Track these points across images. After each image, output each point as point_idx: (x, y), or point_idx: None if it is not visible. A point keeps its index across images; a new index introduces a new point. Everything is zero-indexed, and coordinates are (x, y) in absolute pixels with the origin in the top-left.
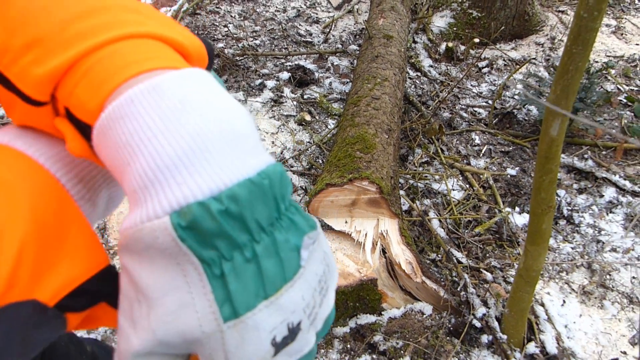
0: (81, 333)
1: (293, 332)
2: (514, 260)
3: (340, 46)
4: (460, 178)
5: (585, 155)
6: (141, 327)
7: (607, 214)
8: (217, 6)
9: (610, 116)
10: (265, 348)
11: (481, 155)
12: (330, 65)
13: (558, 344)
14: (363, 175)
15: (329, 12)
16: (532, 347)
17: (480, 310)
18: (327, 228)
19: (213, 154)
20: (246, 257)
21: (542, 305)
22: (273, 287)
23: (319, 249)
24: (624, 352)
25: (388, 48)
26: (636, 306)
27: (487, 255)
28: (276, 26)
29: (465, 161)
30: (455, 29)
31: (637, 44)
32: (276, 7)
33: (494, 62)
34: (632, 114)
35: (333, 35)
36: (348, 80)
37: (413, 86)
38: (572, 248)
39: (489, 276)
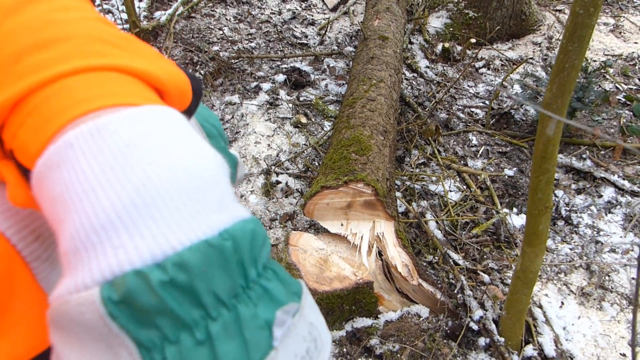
0: None
1: None
2: (511, 262)
3: (336, 48)
4: (458, 179)
5: (584, 155)
6: None
7: (606, 215)
8: (212, 9)
9: (609, 115)
10: None
11: (478, 156)
12: (326, 67)
13: (556, 346)
14: (358, 177)
15: (325, 13)
16: (530, 350)
17: (478, 313)
18: (322, 231)
19: (161, 210)
20: (197, 338)
21: (540, 307)
22: None
23: (301, 323)
24: (623, 354)
25: (384, 49)
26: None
27: (485, 256)
28: (271, 28)
29: (462, 162)
30: (451, 29)
31: (635, 43)
32: (271, 9)
33: (490, 62)
34: (631, 113)
35: (329, 37)
36: (344, 82)
37: (409, 87)
38: (571, 249)
39: (486, 278)
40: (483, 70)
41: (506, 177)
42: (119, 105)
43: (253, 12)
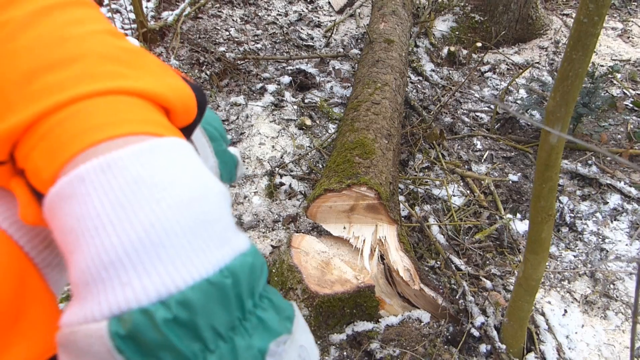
0: None
1: None
2: (514, 268)
3: (341, 50)
4: (461, 184)
5: (589, 161)
6: None
7: (612, 222)
8: (219, 10)
9: (616, 121)
10: None
11: (483, 160)
12: (331, 69)
13: (559, 354)
14: (362, 180)
15: (331, 16)
16: (531, 358)
17: (479, 319)
18: (325, 233)
19: (168, 248)
20: None
21: (543, 314)
22: None
23: (291, 349)
24: None
25: (389, 52)
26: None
27: (487, 262)
28: (278, 30)
29: (466, 167)
30: (457, 33)
31: None
32: (278, 11)
33: (496, 67)
34: (639, 119)
35: (334, 39)
36: (349, 84)
37: (414, 90)
38: (575, 256)
39: (488, 284)
40: (489, 74)
41: (510, 182)
42: (129, 134)
43: (259, 14)
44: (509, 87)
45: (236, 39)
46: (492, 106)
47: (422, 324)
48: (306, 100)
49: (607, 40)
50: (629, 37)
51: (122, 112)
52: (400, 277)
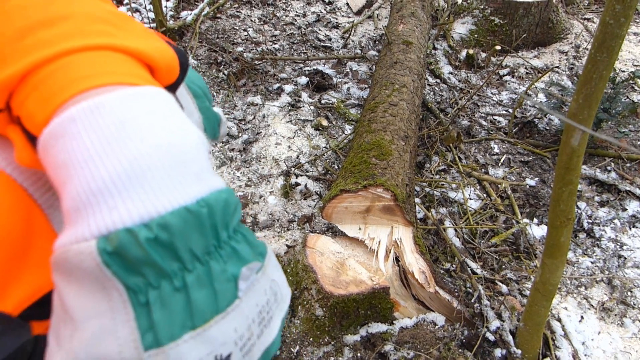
0: None
1: None
2: (530, 273)
3: (359, 51)
4: (478, 187)
5: (609, 167)
6: (64, 347)
7: (630, 229)
8: (238, 10)
9: (636, 127)
10: None
11: (500, 164)
12: (348, 70)
13: None
14: (378, 182)
15: (349, 17)
16: None
17: (494, 323)
18: (340, 234)
19: (149, 179)
20: (175, 286)
21: (559, 320)
22: (202, 318)
23: (263, 279)
24: None
25: (407, 54)
26: None
27: (503, 266)
28: (295, 31)
29: (483, 170)
30: (476, 35)
31: None
32: (296, 11)
33: (515, 70)
34: None
35: (352, 41)
36: (366, 86)
37: (432, 93)
38: (592, 262)
39: (504, 288)
40: (507, 77)
41: (527, 186)
42: (115, 84)
43: (278, 14)
44: (528, 90)
45: (254, 39)
46: (510, 110)
47: (437, 327)
48: (323, 101)
49: (628, 45)
50: None
51: (109, 65)
52: (415, 280)
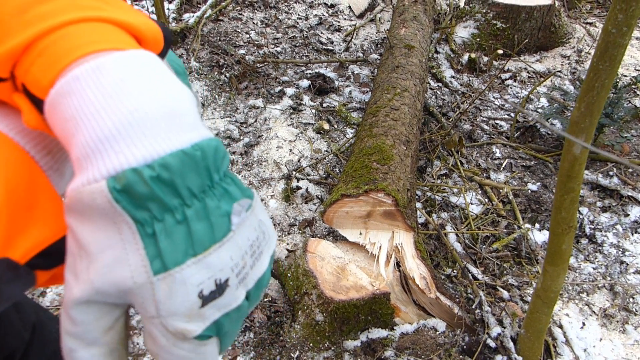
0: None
1: (220, 288)
2: (532, 279)
3: (361, 55)
4: (479, 192)
5: (611, 173)
6: (82, 279)
7: (632, 234)
8: (240, 13)
9: (638, 132)
10: (192, 299)
11: (501, 169)
12: (350, 74)
13: None
14: (379, 186)
15: (351, 20)
16: None
17: (495, 330)
18: (341, 239)
19: (149, 127)
20: (177, 219)
21: (561, 327)
22: (201, 247)
23: (252, 217)
24: None
25: (409, 58)
26: None
27: (505, 272)
28: (298, 34)
29: (484, 175)
30: (478, 39)
31: None
32: (298, 14)
33: (517, 74)
34: None
35: (354, 44)
36: (368, 89)
37: (434, 97)
38: (594, 268)
39: (505, 294)
40: (509, 82)
41: (529, 191)
42: (111, 49)
43: (280, 17)
44: (530, 95)
45: (256, 42)
46: (512, 114)
47: (438, 332)
48: (324, 105)
49: (631, 50)
50: None
51: (105, 34)
52: (416, 285)
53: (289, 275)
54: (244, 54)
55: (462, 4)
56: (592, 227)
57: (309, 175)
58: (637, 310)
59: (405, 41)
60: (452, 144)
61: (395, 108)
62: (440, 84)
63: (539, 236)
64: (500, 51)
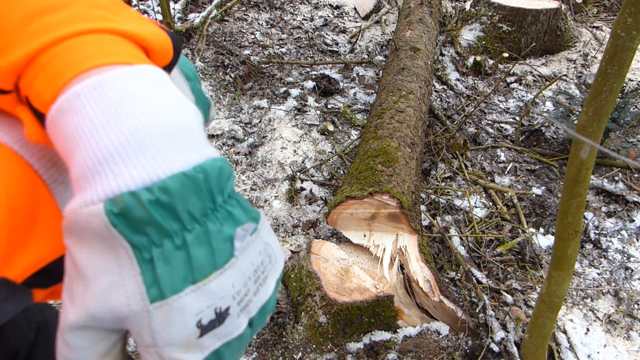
0: None
1: (221, 317)
2: (536, 283)
3: (366, 56)
4: (484, 195)
5: (616, 178)
6: (77, 303)
7: (637, 240)
8: (245, 13)
9: None
10: (190, 329)
11: (506, 172)
12: (355, 75)
13: None
14: (384, 189)
15: (356, 22)
16: None
17: (499, 334)
18: (345, 240)
19: (149, 147)
20: (176, 244)
21: (565, 332)
22: (201, 274)
23: (257, 241)
24: None
25: (414, 60)
26: None
27: (508, 276)
28: (303, 35)
29: (489, 178)
30: (484, 42)
31: None
32: (303, 15)
33: (523, 78)
34: None
35: (359, 46)
36: (373, 91)
37: (439, 99)
38: (599, 274)
39: (509, 299)
40: (515, 85)
41: (534, 195)
42: (115, 64)
43: (285, 18)
44: (536, 99)
45: (261, 43)
46: (517, 118)
47: (441, 336)
48: (329, 106)
49: (637, 54)
50: None
51: (109, 47)
52: (419, 288)
53: (292, 276)
54: (249, 54)
55: (467, 7)
56: (597, 232)
57: (313, 176)
58: None
59: (411, 43)
60: (456, 147)
61: (401, 110)
62: (445, 87)
63: (543, 241)
64: (505, 54)
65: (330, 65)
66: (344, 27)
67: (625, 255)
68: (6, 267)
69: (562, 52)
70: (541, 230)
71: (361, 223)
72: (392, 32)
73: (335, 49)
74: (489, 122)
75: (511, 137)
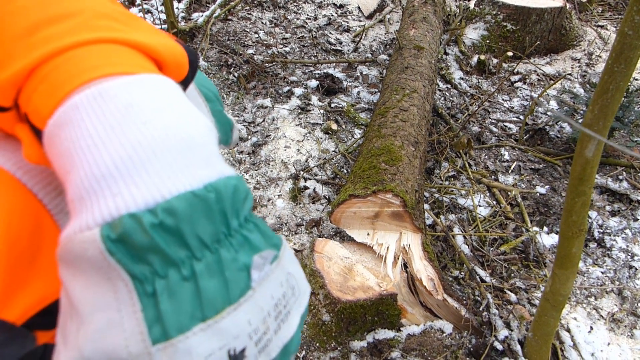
0: None
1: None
2: (539, 282)
3: (370, 55)
4: (487, 194)
5: (620, 176)
6: (70, 344)
7: None
8: (249, 12)
9: None
10: None
11: (510, 171)
12: (359, 74)
13: None
14: (387, 187)
15: (360, 21)
16: None
17: (503, 332)
18: (348, 239)
19: (154, 163)
20: (183, 275)
21: (568, 330)
22: (212, 309)
23: (278, 270)
24: None
25: (418, 59)
26: None
27: (512, 275)
28: (306, 34)
29: (493, 177)
30: (488, 41)
31: None
32: (307, 14)
33: (527, 77)
34: None
35: (363, 44)
36: (376, 90)
37: (442, 98)
38: (602, 272)
39: (513, 297)
40: (519, 84)
41: (538, 194)
42: (119, 74)
43: (289, 17)
44: (540, 97)
45: (265, 42)
46: (522, 117)
47: (445, 334)
48: (333, 105)
49: None
50: None
51: (114, 57)
52: (423, 286)
53: None
54: (252, 53)
55: (472, 6)
56: (601, 231)
57: (316, 175)
58: None
59: (415, 42)
60: (460, 146)
61: (404, 109)
62: (449, 86)
63: (547, 239)
64: (510, 53)
65: (334, 64)
66: (347, 26)
67: (629, 254)
68: (4, 307)
69: (567, 51)
70: (545, 229)
71: (364, 222)
72: (396, 31)
73: (339, 48)
74: (493, 121)
75: (515, 136)
